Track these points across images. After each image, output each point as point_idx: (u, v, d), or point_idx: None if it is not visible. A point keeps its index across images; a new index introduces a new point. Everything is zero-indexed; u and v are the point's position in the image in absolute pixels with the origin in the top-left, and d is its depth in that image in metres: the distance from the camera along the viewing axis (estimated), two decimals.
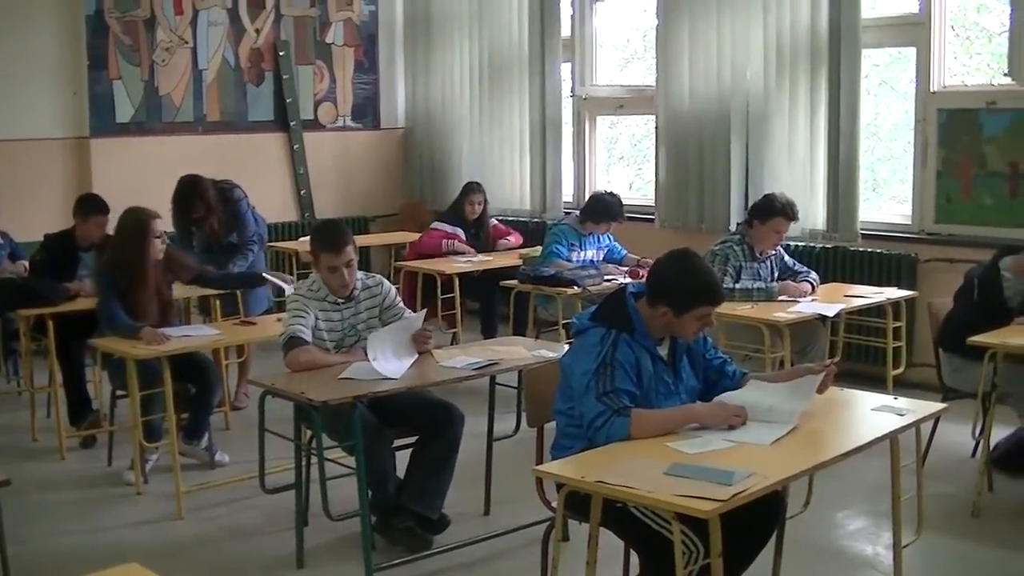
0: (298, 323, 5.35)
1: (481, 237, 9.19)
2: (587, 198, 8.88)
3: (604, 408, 3.90)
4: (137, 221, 6.45)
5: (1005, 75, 7.41)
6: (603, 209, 8.30)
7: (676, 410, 4.09)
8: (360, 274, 5.62)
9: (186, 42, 10.39)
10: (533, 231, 10.21)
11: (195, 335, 6.33)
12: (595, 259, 8.37)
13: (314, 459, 5.24)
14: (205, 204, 7.60)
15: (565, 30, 10.59)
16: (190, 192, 7.62)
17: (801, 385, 4.24)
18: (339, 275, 5.43)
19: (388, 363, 5.18)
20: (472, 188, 9.26)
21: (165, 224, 6.79)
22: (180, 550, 5.54)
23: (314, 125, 11.33)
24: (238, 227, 7.81)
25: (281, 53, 10.99)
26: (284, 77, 11.02)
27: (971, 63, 8.77)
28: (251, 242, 7.85)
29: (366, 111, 11.77)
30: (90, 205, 7.33)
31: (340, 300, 5.51)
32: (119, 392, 6.52)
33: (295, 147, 11.12)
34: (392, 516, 5.36)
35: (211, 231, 7.67)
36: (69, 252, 7.24)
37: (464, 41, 11.29)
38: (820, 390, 4.25)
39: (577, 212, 8.52)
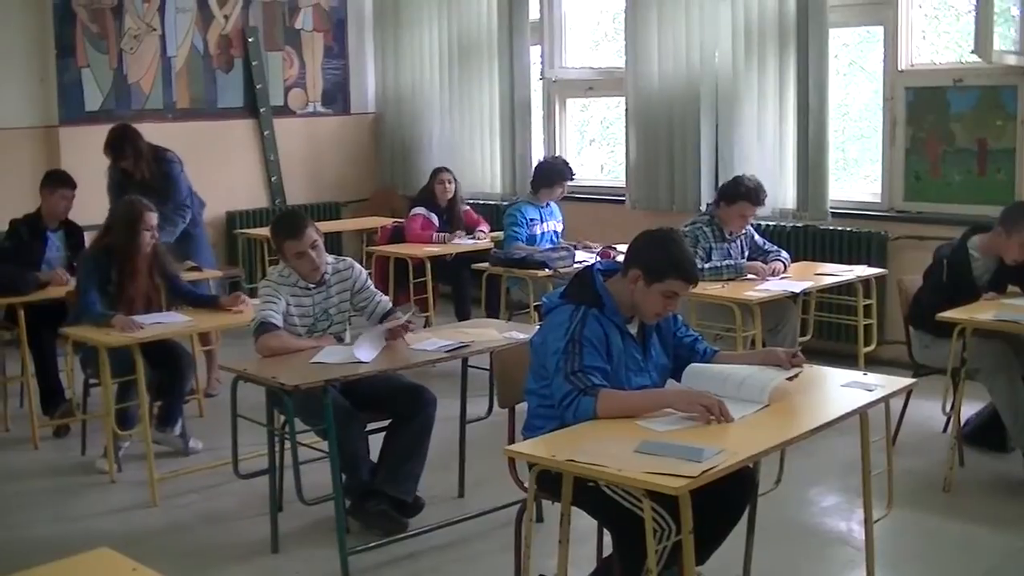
0: (269, 308, 5.35)
1: (454, 221, 9.17)
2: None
3: (572, 388, 3.90)
4: (131, 210, 6.45)
5: (972, 53, 7.43)
6: (551, 172, 8.41)
7: (645, 394, 4.08)
8: (330, 258, 5.64)
9: (154, 29, 10.33)
10: (504, 214, 10.22)
11: (167, 322, 6.30)
12: (557, 231, 8.43)
13: (287, 444, 5.25)
14: (135, 150, 7.68)
15: (534, 13, 10.60)
16: (120, 135, 7.75)
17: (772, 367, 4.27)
18: (307, 259, 5.44)
19: (361, 349, 5.19)
20: (439, 170, 9.26)
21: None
22: (154, 537, 5.53)
23: (284, 111, 11.30)
24: (171, 190, 7.80)
25: (250, 39, 10.95)
26: (253, 63, 10.98)
27: (939, 42, 8.80)
28: (183, 207, 7.85)
29: (336, 96, 11.75)
30: (57, 178, 7.35)
31: (311, 285, 5.52)
32: (92, 380, 6.51)
33: (265, 133, 11.09)
34: (366, 500, 5.37)
35: (142, 178, 7.67)
36: (36, 232, 7.23)
37: (433, 25, 11.28)
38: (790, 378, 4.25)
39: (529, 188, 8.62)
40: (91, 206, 7.60)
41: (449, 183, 9.14)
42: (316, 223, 5.70)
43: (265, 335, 5.30)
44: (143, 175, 7.70)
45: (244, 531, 5.55)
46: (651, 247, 4.16)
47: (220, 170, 10.34)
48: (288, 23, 11.30)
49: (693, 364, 4.28)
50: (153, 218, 6.48)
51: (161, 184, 7.76)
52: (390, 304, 5.79)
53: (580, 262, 7.68)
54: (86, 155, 9.26)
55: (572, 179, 8.55)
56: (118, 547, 2.97)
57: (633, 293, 4.12)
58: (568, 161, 8.65)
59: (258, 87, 11.00)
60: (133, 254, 6.40)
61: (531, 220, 8.34)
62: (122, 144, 7.71)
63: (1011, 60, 7.59)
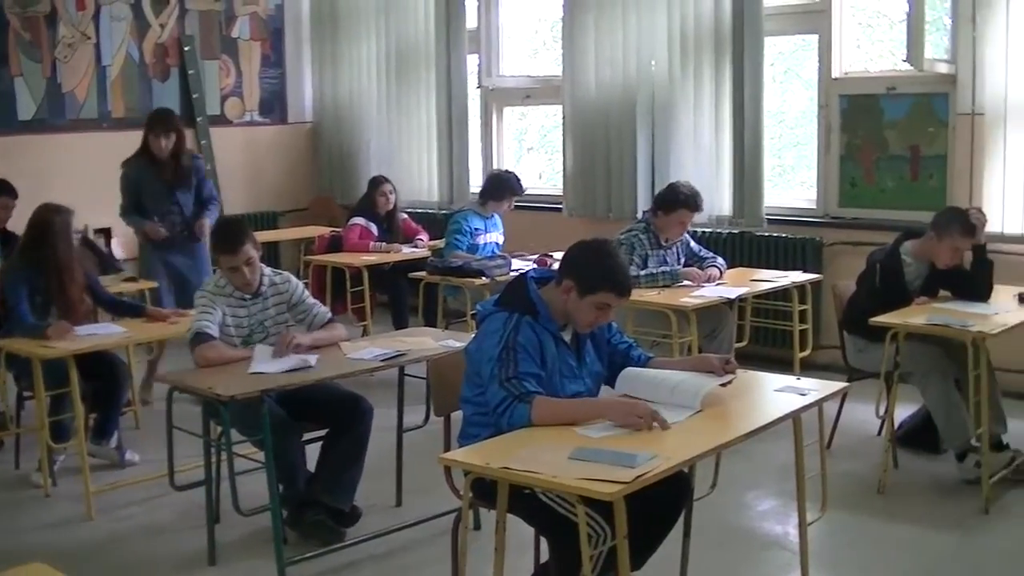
0: (205, 319, 5.34)
1: (393, 230, 9.18)
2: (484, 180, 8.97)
3: (506, 394, 3.90)
4: (61, 218, 6.40)
5: (904, 61, 7.53)
6: (502, 185, 8.46)
7: (580, 402, 4.08)
8: (268, 270, 5.63)
9: (89, 37, 10.23)
10: (441, 222, 10.20)
11: (102, 333, 6.26)
12: (498, 243, 8.46)
13: (224, 455, 5.23)
14: (178, 130, 7.80)
15: (471, 22, 10.61)
16: (167, 112, 8.04)
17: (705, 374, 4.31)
18: (240, 274, 5.45)
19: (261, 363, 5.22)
20: (380, 180, 9.24)
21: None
22: (91, 551, 5.49)
23: (221, 120, 11.22)
24: (199, 186, 7.99)
25: (186, 48, 10.88)
26: (190, 72, 10.91)
27: (873, 50, 8.91)
28: (215, 197, 8.12)
29: (273, 106, 11.70)
30: None
31: (247, 296, 5.51)
32: (25, 393, 6.45)
33: (202, 143, 11.00)
34: (304, 510, 5.35)
35: (164, 166, 7.74)
36: None
37: (371, 34, 11.27)
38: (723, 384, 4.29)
39: (476, 195, 8.64)
40: (27, 216, 7.50)
41: (390, 193, 9.15)
42: (254, 232, 5.69)
43: (201, 345, 5.28)
44: (170, 157, 7.73)
45: (181, 543, 5.51)
46: (584, 258, 4.17)
47: None
48: (225, 32, 11.24)
49: (627, 368, 4.30)
50: (73, 222, 6.46)
51: (179, 181, 7.81)
52: (329, 314, 5.78)
53: (517, 270, 7.69)
54: (20, 165, 9.18)
55: (522, 194, 8.59)
56: (53, 562, 2.94)
57: (566, 303, 4.13)
58: (519, 176, 8.67)
59: (194, 96, 10.93)
60: (69, 262, 6.36)
61: (475, 230, 8.39)
62: (168, 117, 7.86)
63: (943, 68, 7.70)
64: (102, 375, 6.43)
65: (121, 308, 6.74)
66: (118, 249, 9.59)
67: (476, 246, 8.36)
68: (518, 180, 8.56)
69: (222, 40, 11.24)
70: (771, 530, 5.56)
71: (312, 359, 5.26)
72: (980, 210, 6.61)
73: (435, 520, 5.35)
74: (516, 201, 8.65)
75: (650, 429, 3.81)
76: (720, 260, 7.38)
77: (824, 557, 5.05)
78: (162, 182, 7.71)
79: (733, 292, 6.99)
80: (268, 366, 5.15)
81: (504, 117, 10.86)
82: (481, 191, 8.67)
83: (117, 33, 10.43)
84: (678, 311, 6.62)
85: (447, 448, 4.50)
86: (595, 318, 4.15)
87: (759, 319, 7.79)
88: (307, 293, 5.76)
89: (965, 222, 6.20)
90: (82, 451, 6.00)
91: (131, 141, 9.36)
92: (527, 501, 3.82)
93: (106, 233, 9.75)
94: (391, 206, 9.15)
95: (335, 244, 9.20)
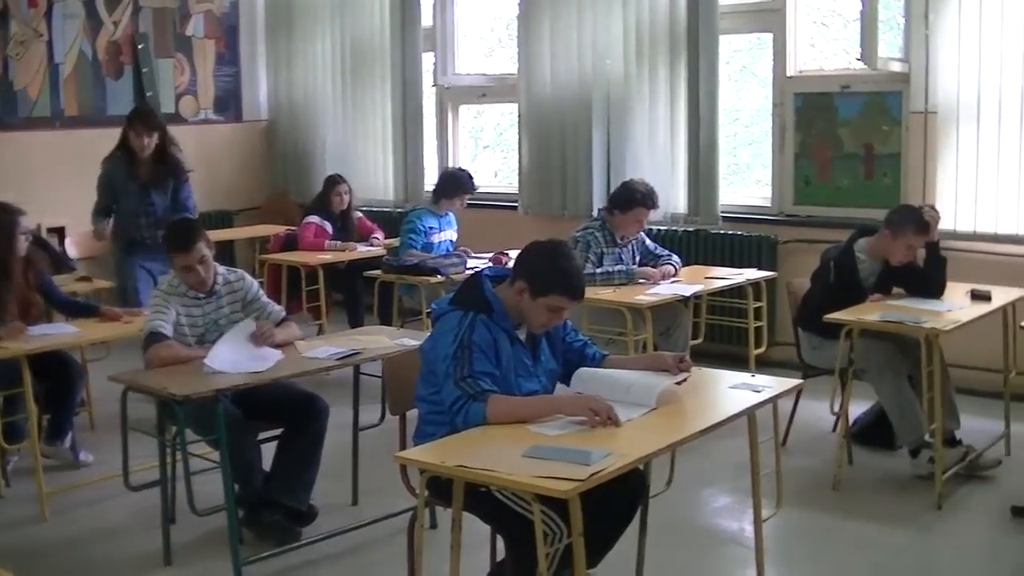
0: (159, 319, 5.33)
1: (348, 229, 9.15)
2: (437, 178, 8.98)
3: (461, 393, 3.90)
4: (4, 217, 6.33)
5: (858, 59, 7.58)
6: (454, 183, 8.47)
7: (535, 400, 4.08)
8: (222, 269, 5.63)
9: (41, 35, 10.13)
10: (397, 221, 10.18)
11: (55, 334, 6.21)
12: (452, 240, 8.46)
13: (179, 455, 5.21)
14: (161, 127, 7.86)
15: (427, 20, 10.61)
16: (150, 110, 8.18)
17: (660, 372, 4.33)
18: (194, 273, 5.44)
19: (249, 362, 5.18)
20: (336, 179, 9.19)
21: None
22: (45, 552, 5.44)
23: (175, 119, 11.06)
24: (179, 192, 7.92)
25: (140, 46, 10.79)
26: (144, 70, 10.82)
27: (827, 49, 8.95)
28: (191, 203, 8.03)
29: (228, 104, 11.63)
30: None
31: (201, 295, 5.49)
32: None
33: None
34: (260, 510, 5.34)
35: (144, 164, 7.70)
36: None
37: (326, 32, 11.23)
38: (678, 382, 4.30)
39: (430, 193, 8.66)
40: None
41: (345, 193, 9.11)
42: (208, 231, 5.70)
43: (155, 345, 5.27)
44: (152, 154, 7.67)
45: (136, 544, 5.48)
46: (538, 260, 4.16)
47: None
48: (179, 29, 11.16)
49: (582, 368, 4.31)
50: (24, 222, 6.39)
51: (155, 181, 7.73)
52: (283, 313, 5.77)
53: (472, 268, 7.69)
54: None
55: (474, 192, 8.59)
56: (7, 564, 2.94)
57: (520, 303, 4.13)
58: (472, 174, 8.68)
59: (148, 94, 10.83)
60: (9, 260, 6.30)
61: (430, 228, 8.38)
62: (150, 115, 7.87)
63: (896, 67, 7.75)
64: (55, 375, 6.37)
65: (74, 308, 6.69)
66: (72, 248, 9.50)
67: (431, 244, 8.36)
68: (470, 178, 8.57)
69: (176, 38, 11.15)
70: (727, 527, 5.59)
71: (278, 355, 5.26)
72: (933, 208, 6.65)
73: (391, 519, 5.36)
74: (472, 199, 8.66)
75: (605, 426, 3.82)
76: (675, 258, 7.41)
77: (779, 553, 5.08)
78: (138, 181, 7.63)
79: (688, 290, 7.01)
80: (237, 355, 5.16)
81: (460, 115, 10.85)
82: (434, 189, 8.66)
83: (70, 30, 10.33)
84: (633, 309, 6.63)
85: (403, 447, 4.48)
86: (548, 319, 4.16)
87: (714, 316, 7.83)
88: (262, 291, 5.77)
89: (919, 220, 6.24)
90: (35, 452, 5.94)
91: (84, 140, 9.34)
92: (483, 499, 3.82)
93: (59, 232, 9.67)
94: (345, 205, 9.12)
95: (290, 243, 9.16)
